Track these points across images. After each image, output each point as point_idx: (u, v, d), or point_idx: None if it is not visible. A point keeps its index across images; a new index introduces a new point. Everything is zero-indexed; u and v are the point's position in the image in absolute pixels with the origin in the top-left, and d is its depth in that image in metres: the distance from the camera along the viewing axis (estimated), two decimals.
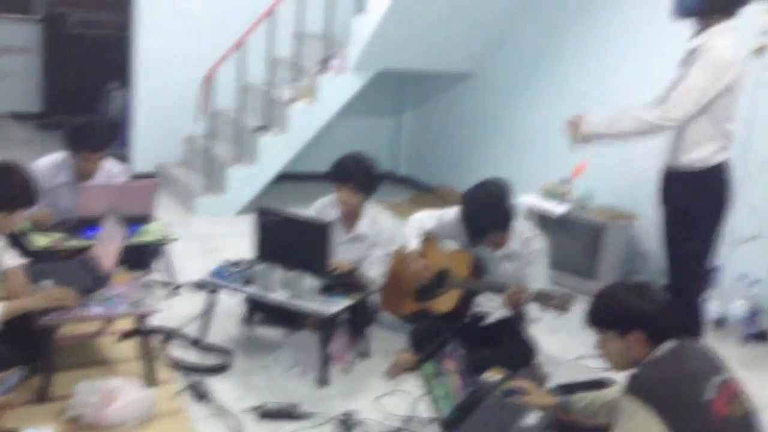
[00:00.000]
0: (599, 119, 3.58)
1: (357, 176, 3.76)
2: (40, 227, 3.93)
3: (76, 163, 4.13)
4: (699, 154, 3.43)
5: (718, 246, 3.64)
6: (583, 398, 2.77)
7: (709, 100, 3.34)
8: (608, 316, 2.45)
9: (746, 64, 3.59)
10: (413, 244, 3.84)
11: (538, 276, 3.63)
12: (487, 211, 3.56)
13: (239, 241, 5.25)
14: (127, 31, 6.65)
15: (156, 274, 4.43)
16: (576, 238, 5.01)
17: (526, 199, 5.12)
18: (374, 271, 3.78)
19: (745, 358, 4.15)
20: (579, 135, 3.60)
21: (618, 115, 3.52)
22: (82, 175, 4.16)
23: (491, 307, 3.75)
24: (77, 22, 8.43)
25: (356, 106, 6.53)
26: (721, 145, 3.44)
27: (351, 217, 3.89)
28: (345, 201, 3.80)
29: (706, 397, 2.22)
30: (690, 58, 3.41)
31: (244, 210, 5.86)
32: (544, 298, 3.35)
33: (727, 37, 3.36)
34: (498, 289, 3.54)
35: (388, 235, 3.88)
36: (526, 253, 3.65)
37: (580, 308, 3.26)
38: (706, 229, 3.52)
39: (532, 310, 3.51)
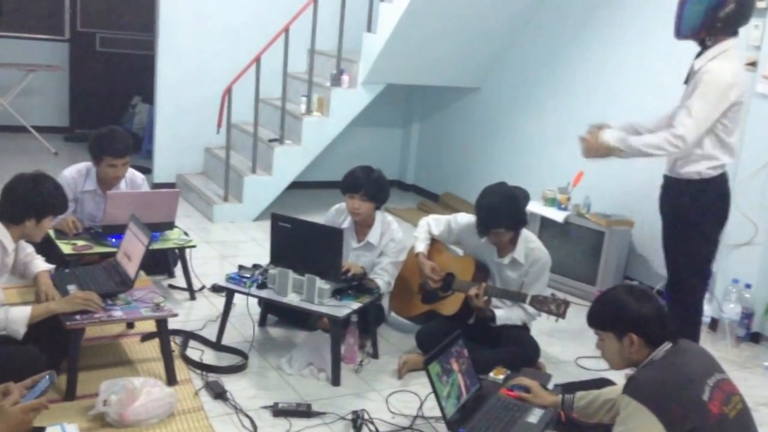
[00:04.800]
0: (616, 134, 3.45)
1: (366, 186, 3.73)
2: (66, 234, 3.93)
3: (100, 171, 4.12)
4: (698, 167, 3.37)
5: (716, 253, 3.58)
6: (583, 397, 2.73)
7: (714, 121, 3.27)
8: (607, 318, 2.43)
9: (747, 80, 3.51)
10: (420, 248, 3.81)
11: (537, 287, 3.60)
12: (503, 204, 3.51)
13: (255, 247, 5.26)
14: (151, 50, 6.68)
15: (176, 279, 4.42)
16: (576, 244, 4.97)
17: (528, 207, 5.07)
18: (383, 277, 3.76)
19: (738, 359, 4.10)
20: (595, 146, 3.46)
21: (631, 135, 3.42)
22: (107, 182, 4.15)
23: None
24: (104, 41, 8.48)
25: (366, 119, 6.50)
26: (722, 159, 3.37)
27: (363, 225, 3.87)
28: (355, 209, 3.77)
29: (703, 397, 2.19)
30: (693, 78, 3.33)
31: (260, 217, 5.85)
32: (541, 303, 3.31)
33: (728, 59, 3.26)
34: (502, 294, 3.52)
35: (397, 245, 3.85)
36: (529, 263, 3.61)
37: (580, 311, 3.23)
38: (705, 238, 3.45)
39: (530, 310, 3.51)
